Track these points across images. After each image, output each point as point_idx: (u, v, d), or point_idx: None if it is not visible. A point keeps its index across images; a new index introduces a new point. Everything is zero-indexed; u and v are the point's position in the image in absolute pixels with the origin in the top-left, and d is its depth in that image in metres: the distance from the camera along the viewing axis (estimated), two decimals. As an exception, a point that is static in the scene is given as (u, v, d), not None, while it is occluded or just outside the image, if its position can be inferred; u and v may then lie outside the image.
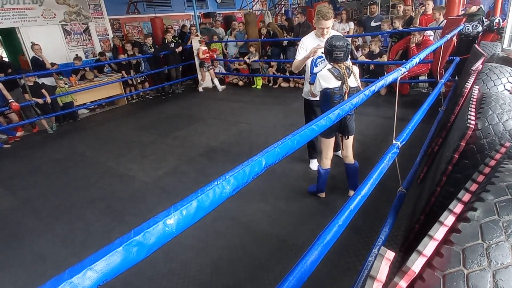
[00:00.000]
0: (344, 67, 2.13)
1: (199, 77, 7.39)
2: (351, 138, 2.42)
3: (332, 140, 2.45)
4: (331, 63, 2.17)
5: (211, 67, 7.25)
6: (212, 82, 7.41)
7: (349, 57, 2.23)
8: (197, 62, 7.22)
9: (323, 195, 2.69)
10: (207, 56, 7.02)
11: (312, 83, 2.39)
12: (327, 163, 2.50)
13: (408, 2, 7.73)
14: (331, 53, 2.10)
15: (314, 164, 3.15)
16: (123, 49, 7.12)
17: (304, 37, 2.80)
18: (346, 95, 2.16)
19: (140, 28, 8.52)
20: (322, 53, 2.40)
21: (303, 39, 2.77)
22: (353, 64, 2.30)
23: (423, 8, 5.80)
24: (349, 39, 6.16)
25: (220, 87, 7.29)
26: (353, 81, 2.20)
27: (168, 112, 5.99)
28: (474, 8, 4.37)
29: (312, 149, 3.18)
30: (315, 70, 2.41)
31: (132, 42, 7.26)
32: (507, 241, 0.59)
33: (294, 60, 2.79)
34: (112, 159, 4.00)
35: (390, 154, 1.61)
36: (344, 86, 2.14)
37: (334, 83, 2.15)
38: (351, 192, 2.64)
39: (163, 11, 8.96)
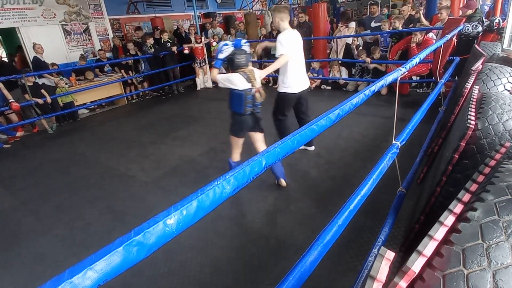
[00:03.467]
0: (248, 71, 2.42)
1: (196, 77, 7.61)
2: (262, 133, 2.69)
3: (242, 140, 2.69)
4: (237, 69, 2.44)
5: (203, 63, 7.39)
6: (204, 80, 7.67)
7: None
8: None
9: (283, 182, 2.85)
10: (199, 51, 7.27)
11: (217, 67, 2.54)
12: (237, 157, 2.73)
13: (408, 1, 7.75)
14: (233, 60, 2.41)
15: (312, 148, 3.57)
16: (123, 49, 7.12)
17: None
18: (258, 93, 2.48)
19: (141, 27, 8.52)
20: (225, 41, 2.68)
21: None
22: (254, 67, 2.57)
23: (421, 8, 5.82)
24: (349, 39, 6.23)
25: (211, 85, 7.57)
26: (258, 82, 2.52)
27: (168, 112, 5.99)
28: (469, 12, 4.37)
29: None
30: (220, 56, 2.49)
31: (136, 41, 7.25)
32: (507, 241, 0.59)
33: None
34: (112, 159, 4.00)
35: (390, 154, 1.61)
36: (253, 87, 2.44)
37: (245, 85, 2.41)
38: (283, 181, 2.85)
39: (163, 11, 8.97)
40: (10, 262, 2.30)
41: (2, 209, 3.05)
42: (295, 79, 3.15)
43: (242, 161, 0.78)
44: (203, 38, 7.58)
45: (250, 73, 2.41)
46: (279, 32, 3.07)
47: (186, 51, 7.14)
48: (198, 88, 7.52)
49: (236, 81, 2.40)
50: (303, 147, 3.53)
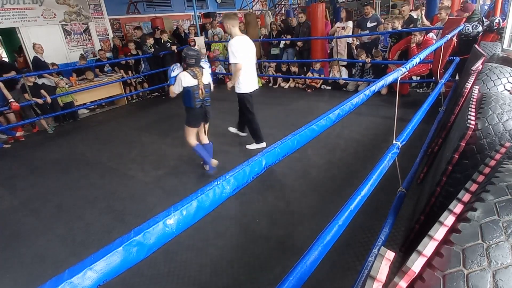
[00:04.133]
0: (196, 70, 2.83)
1: None
2: (207, 124, 3.22)
3: (196, 129, 3.14)
4: (187, 68, 2.84)
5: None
6: None
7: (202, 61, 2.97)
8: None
9: (215, 161, 3.27)
10: None
11: (172, 84, 2.94)
12: (194, 141, 3.15)
13: (408, 2, 7.74)
14: (185, 59, 2.82)
15: (252, 146, 3.83)
16: (123, 49, 7.11)
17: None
18: (201, 90, 2.88)
19: (141, 27, 8.51)
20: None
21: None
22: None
23: (420, 9, 5.82)
24: (349, 39, 6.24)
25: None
26: (206, 79, 2.93)
27: (168, 112, 5.99)
28: (466, 15, 4.37)
29: (257, 135, 3.76)
30: (173, 74, 2.92)
31: (135, 41, 7.24)
32: (507, 241, 0.59)
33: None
34: (112, 159, 4.00)
35: (390, 154, 1.61)
36: (199, 84, 2.85)
37: (192, 82, 2.83)
38: (215, 161, 3.32)
39: (163, 11, 8.97)
40: (10, 262, 2.30)
41: (2, 209, 3.05)
42: (248, 80, 3.52)
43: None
44: (203, 37, 7.55)
45: (197, 72, 2.84)
46: (231, 37, 3.43)
47: None
48: None
49: (184, 78, 2.83)
50: (234, 130, 4.18)
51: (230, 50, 3.32)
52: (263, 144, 3.79)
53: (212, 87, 3.10)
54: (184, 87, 2.86)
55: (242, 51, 3.33)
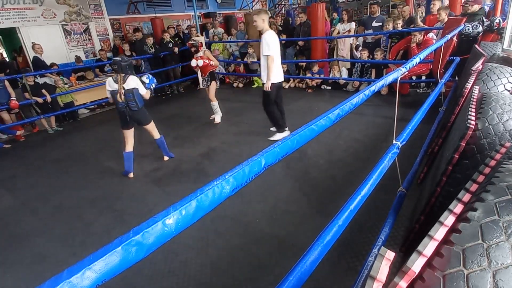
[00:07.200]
0: (119, 76, 3.12)
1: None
2: (148, 126, 3.44)
3: (130, 131, 3.40)
4: (111, 74, 3.15)
5: (208, 81, 4.78)
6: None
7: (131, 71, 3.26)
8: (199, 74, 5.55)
9: (131, 175, 3.42)
10: (202, 64, 4.58)
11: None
12: (129, 148, 3.39)
13: (408, 2, 7.74)
14: (111, 66, 3.13)
15: (277, 136, 3.96)
16: (124, 49, 7.10)
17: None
18: (120, 95, 3.15)
19: (140, 28, 8.53)
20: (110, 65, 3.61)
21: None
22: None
23: (420, 9, 5.81)
24: (348, 39, 6.23)
25: (217, 118, 4.94)
26: (129, 85, 3.15)
27: (168, 112, 5.98)
28: (476, 7, 4.35)
29: (278, 125, 3.95)
30: (108, 89, 3.27)
31: (132, 42, 7.23)
32: (507, 241, 0.59)
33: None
34: (112, 159, 3.99)
35: (390, 154, 1.61)
36: (119, 88, 3.13)
37: (114, 86, 3.16)
38: (166, 158, 3.76)
39: (163, 11, 8.97)
40: (10, 262, 2.30)
41: (2, 209, 3.05)
42: (277, 71, 3.64)
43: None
44: (203, 37, 7.47)
45: (119, 78, 3.13)
46: (261, 32, 3.57)
47: (194, 63, 4.65)
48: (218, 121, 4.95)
49: (108, 82, 3.20)
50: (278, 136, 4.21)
51: (266, 42, 3.39)
52: (287, 132, 3.90)
53: (147, 94, 3.29)
54: (109, 91, 3.21)
55: (275, 45, 3.46)
